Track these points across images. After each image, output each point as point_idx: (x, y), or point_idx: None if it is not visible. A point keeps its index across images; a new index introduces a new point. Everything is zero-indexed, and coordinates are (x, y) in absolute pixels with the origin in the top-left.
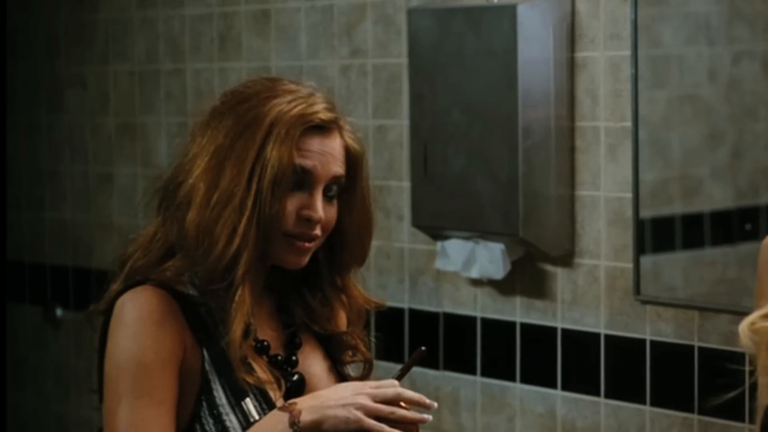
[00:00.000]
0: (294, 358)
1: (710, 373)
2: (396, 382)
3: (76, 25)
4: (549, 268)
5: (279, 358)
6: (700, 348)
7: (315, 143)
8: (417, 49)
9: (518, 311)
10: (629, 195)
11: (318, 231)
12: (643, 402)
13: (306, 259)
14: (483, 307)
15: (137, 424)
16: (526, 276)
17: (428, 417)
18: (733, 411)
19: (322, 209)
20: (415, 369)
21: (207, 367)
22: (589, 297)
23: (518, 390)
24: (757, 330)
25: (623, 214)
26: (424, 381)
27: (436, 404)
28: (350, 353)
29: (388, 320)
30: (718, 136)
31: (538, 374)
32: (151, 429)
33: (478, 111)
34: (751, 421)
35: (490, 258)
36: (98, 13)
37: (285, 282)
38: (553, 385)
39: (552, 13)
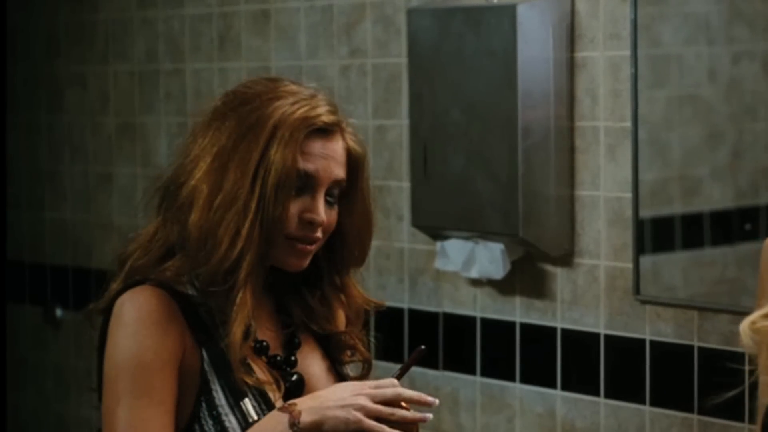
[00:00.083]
0: (293, 358)
1: (710, 373)
2: (395, 381)
3: (76, 25)
4: (549, 268)
5: (278, 358)
6: (699, 348)
7: (318, 146)
8: (416, 49)
9: (518, 311)
10: (629, 195)
11: (319, 234)
12: (643, 402)
13: (307, 262)
14: (483, 307)
15: (136, 424)
16: (526, 276)
17: (428, 416)
18: (733, 411)
19: (324, 212)
20: (415, 369)
21: (206, 367)
22: (589, 297)
23: (518, 390)
24: (758, 329)
25: (623, 214)
26: (424, 381)
27: (437, 400)
28: (349, 353)
29: (388, 320)
30: (718, 136)
31: (538, 374)
32: (151, 429)
33: (477, 111)
34: (751, 421)
35: (489, 258)
36: (98, 13)
37: (283, 281)
38: (553, 385)
39: (551, 12)
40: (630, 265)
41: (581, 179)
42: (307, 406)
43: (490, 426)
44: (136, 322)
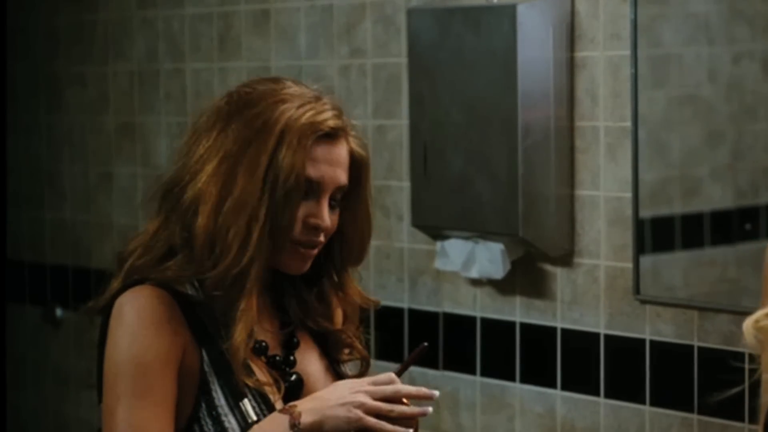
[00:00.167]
0: (292, 358)
1: (710, 372)
2: (392, 375)
3: (75, 25)
4: (549, 267)
5: (277, 358)
6: (699, 348)
7: (323, 152)
8: (417, 49)
9: (518, 311)
10: (629, 195)
11: (322, 238)
12: (643, 402)
13: (308, 265)
14: (483, 306)
15: (136, 425)
16: (526, 276)
17: (428, 410)
18: (733, 411)
19: (328, 217)
20: (415, 369)
21: (206, 367)
22: (589, 297)
23: (518, 390)
24: (762, 328)
25: (623, 213)
26: (424, 381)
27: (437, 392)
28: (347, 351)
29: (388, 320)
30: (718, 136)
31: (538, 374)
32: (150, 429)
33: (477, 111)
34: (751, 420)
35: (489, 258)
36: (98, 13)
37: (281, 278)
38: (553, 385)
39: (552, 13)
40: (630, 265)
41: (581, 179)
42: (307, 407)
43: (490, 426)
44: (136, 321)
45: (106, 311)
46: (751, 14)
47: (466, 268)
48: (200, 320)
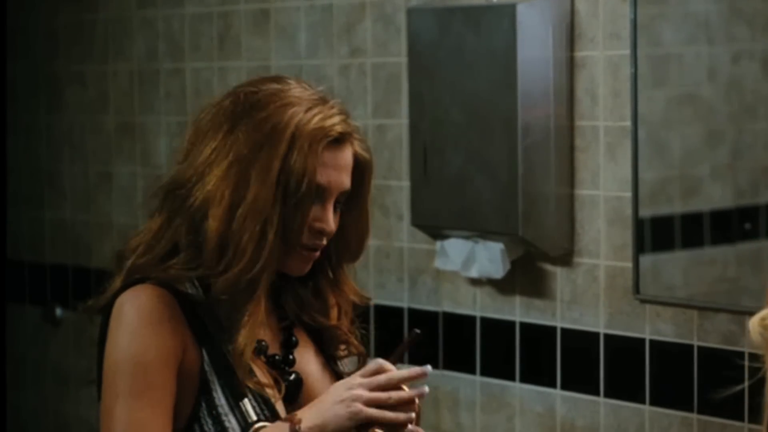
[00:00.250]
0: (291, 357)
1: (710, 372)
2: (381, 361)
3: (75, 25)
4: (548, 267)
5: (277, 357)
6: (699, 347)
7: (331, 157)
8: (416, 48)
9: (518, 310)
10: (629, 194)
11: (325, 241)
12: (643, 401)
13: (309, 267)
14: (482, 306)
15: (134, 424)
16: (526, 275)
17: (425, 389)
18: (733, 410)
19: (333, 222)
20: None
21: (206, 367)
22: (589, 296)
23: (517, 389)
24: None
25: (623, 213)
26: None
27: (429, 367)
28: (342, 347)
29: (388, 320)
30: (718, 136)
31: (538, 373)
32: (148, 428)
33: (477, 110)
34: (751, 420)
35: (489, 257)
36: (98, 13)
37: (277, 274)
38: (553, 385)
39: (551, 12)
40: (630, 265)
41: (581, 178)
42: (306, 414)
43: (490, 425)
44: (136, 321)
45: (107, 310)
46: (751, 13)
47: (465, 268)
48: (201, 320)
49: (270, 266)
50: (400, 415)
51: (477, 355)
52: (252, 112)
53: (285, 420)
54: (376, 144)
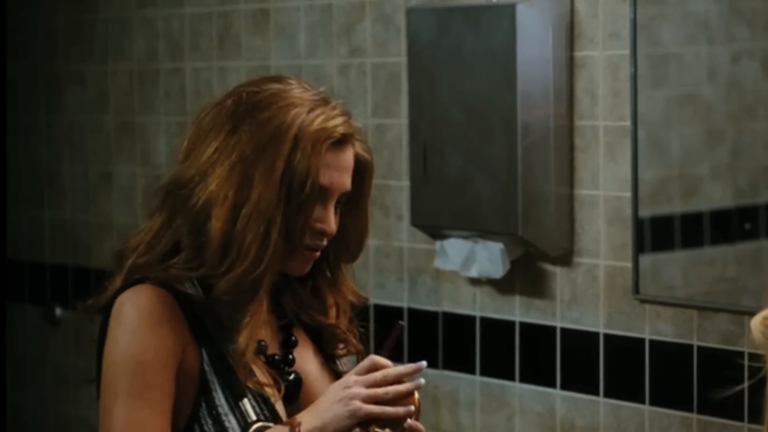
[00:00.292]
0: (291, 356)
1: (709, 372)
2: (374, 357)
3: (75, 25)
4: (548, 267)
5: (276, 357)
6: (699, 347)
7: (333, 159)
8: (416, 48)
9: (517, 310)
10: (628, 194)
11: (326, 241)
12: (642, 401)
13: (309, 267)
14: (482, 306)
15: (133, 424)
16: (526, 275)
17: (421, 382)
18: (733, 410)
19: (334, 223)
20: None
21: (206, 367)
22: (588, 296)
23: (517, 389)
24: None
25: (622, 213)
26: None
27: (424, 363)
28: (341, 346)
29: (388, 320)
30: (718, 135)
31: (537, 373)
32: (147, 429)
33: (477, 110)
34: (751, 420)
35: (489, 257)
36: (98, 12)
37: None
38: (552, 385)
39: (551, 12)
40: (629, 265)
41: (581, 178)
42: (306, 417)
43: (490, 425)
44: (135, 321)
45: (106, 310)
46: (751, 13)
47: (465, 268)
48: (200, 320)
49: (273, 267)
50: (400, 410)
51: (477, 355)
52: (254, 112)
53: (285, 424)
54: (375, 144)
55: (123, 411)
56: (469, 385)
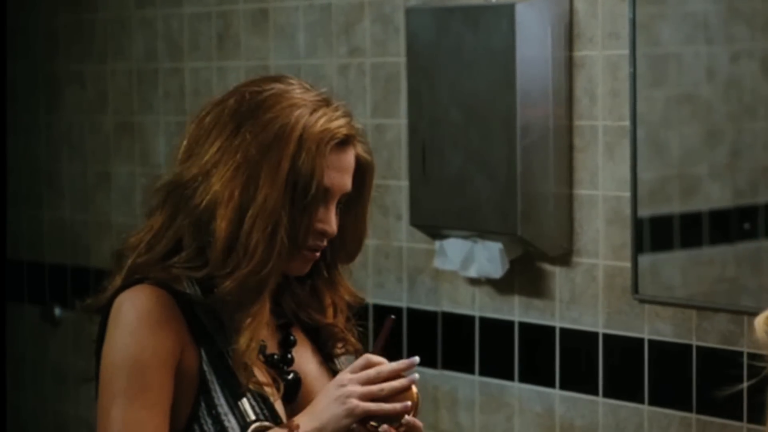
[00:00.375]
0: (289, 356)
1: (708, 372)
2: (369, 356)
3: (74, 24)
4: (547, 267)
5: (275, 357)
6: (698, 347)
7: (335, 160)
8: (415, 48)
9: (516, 310)
10: (627, 194)
11: (326, 242)
12: (642, 401)
13: (309, 267)
14: (481, 306)
15: (130, 424)
16: (525, 275)
17: (415, 377)
18: (732, 410)
19: (335, 223)
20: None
21: (205, 367)
22: (588, 296)
23: (516, 389)
24: None
25: (621, 213)
26: (422, 380)
27: (417, 358)
28: (340, 345)
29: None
30: (717, 135)
31: (537, 373)
32: (145, 429)
33: (476, 110)
34: (750, 419)
35: (488, 257)
36: (97, 12)
37: None
38: (552, 385)
39: (550, 12)
40: (629, 264)
41: (580, 178)
42: (303, 419)
43: (489, 425)
44: (134, 321)
45: (106, 309)
46: (750, 13)
47: (464, 268)
48: (199, 320)
49: (278, 268)
50: (397, 406)
51: (476, 355)
52: (257, 112)
53: (283, 427)
54: (375, 144)
55: (121, 411)
56: (469, 385)
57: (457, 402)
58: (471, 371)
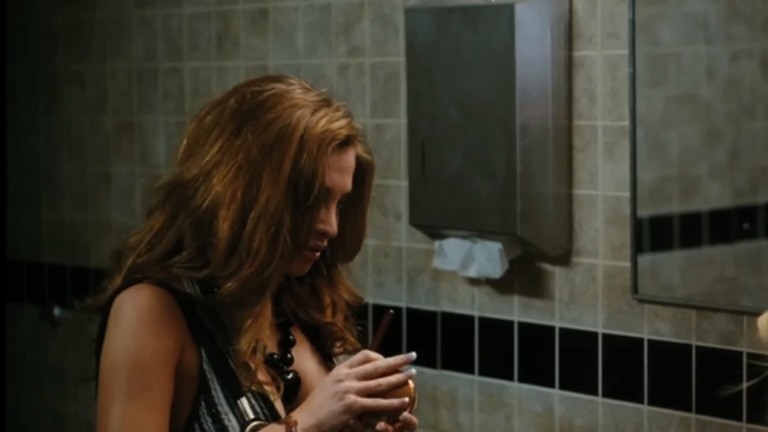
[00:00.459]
0: (289, 356)
1: (708, 372)
2: (367, 352)
3: (74, 24)
4: (547, 267)
5: (275, 356)
6: (697, 347)
7: (336, 160)
8: (415, 48)
9: (516, 310)
10: (627, 194)
11: (326, 242)
12: (641, 401)
13: (309, 267)
14: (481, 306)
15: (130, 422)
16: (524, 275)
17: (412, 372)
18: (731, 410)
19: (335, 224)
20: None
21: (205, 366)
22: (587, 296)
23: (516, 389)
24: None
25: (621, 213)
26: (422, 380)
27: (414, 354)
28: (339, 344)
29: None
30: (716, 135)
31: (536, 373)
32: (144, 428)
33: (475, 110)
34: (749, 419)
35: (487, 257)
36: (96, 12)
37: None
38: (551, 384)
39: (550, 12)
40: (628, 264)
41: (579, 178)
42: (301, 415)
43: (489, 425)
44: (134, 320)
45: (105, 309)
46: (749, 13)
47: (464, 268)
48: (199, 319)
49: (280, 269)
50: (394, 402)
51: (475, 355)
52: (258, 112)
53: (281, 423)
54: (374, 143)
55: (120, 409)
56: (468, 384)
57: (456, 402)
58: (470, 371)
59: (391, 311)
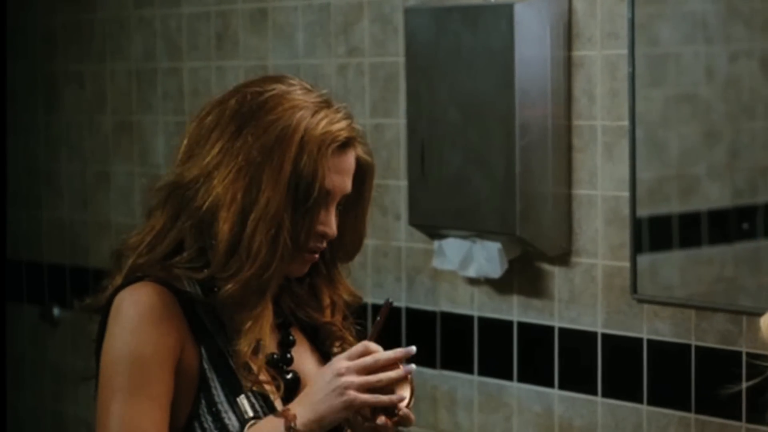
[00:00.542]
0: (289, 356)
1: (707, 372)
2: (367, 343)
3: (73, 24)
4: (546, 267)
5: (275, 356)
6: (697, 347)
7: (336, 162)
8: (414, 47)
9: (515, 310)
10: (626, 194)
11: (326, 244)
12: (640, 401)
13: (308, 268)
14: (480, 306)
15: (129, 420)
16: (524, 275)
17: (412, 367)
18: (731, 410)
19: (335, 225)
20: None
21: (205, 365)
22: (586, 296)
23: (515, 389)
24: None
25: (620, 212)
26: (422, 380)
27: (414, 348)
28: (338, 344)
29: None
30: (716, 135)
31: (535, 373)
32: (144, 426)
33: (475, 110)
34: (749, 419)
35: (487, 257)
36: (95, 12)
37: None
38: (551, 384)
39: (549, 12)
40: (627, 264)
41: (578, 178)
42: (299, 409)
43: (488, 425)
44: (135, 318)
45: (105, 308)
46: (749, 13)
47: (463, 267)
48: (200, 318)
49: (280, 270)
50: (393, 398)
51: (475, 355)
52: (259, 113)
53: (278, 416)
54: (373, 143)
55: (120, 406)
56: (467, 384)
57: (455, 402)
58: (470, 371)
59: (390, 300)
